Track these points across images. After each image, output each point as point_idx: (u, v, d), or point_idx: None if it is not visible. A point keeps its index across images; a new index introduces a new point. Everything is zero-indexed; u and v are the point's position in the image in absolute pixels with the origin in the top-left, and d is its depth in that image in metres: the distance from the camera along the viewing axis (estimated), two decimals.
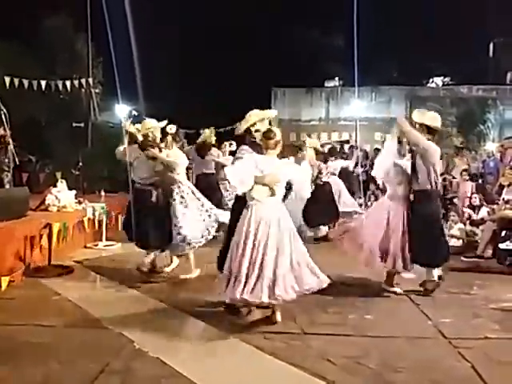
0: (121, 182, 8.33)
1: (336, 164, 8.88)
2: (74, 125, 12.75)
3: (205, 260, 5.34)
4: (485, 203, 7.93)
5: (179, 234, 5.16)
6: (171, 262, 5.60)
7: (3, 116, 7.25)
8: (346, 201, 8.68)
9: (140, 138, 5.43)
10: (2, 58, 13.28)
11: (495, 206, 7.32)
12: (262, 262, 3.74)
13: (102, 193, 8.39)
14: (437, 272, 4.79)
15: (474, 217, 7.61)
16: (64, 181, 7.68)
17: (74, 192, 7.54)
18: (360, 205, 11.57)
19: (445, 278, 4.95)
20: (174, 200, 5.26)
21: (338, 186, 8.65)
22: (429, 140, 4.67)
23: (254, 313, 3.96)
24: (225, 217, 5.16)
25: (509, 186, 7.21)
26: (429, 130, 4.71)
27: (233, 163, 4.23)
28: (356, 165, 11.01)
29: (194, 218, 5.24)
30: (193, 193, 5.41)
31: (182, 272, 5.42)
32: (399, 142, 4.86)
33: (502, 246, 6.17)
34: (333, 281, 5.31)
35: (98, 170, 11.73)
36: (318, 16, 27.45)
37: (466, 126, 21.24)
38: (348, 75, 17.91)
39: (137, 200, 5.38)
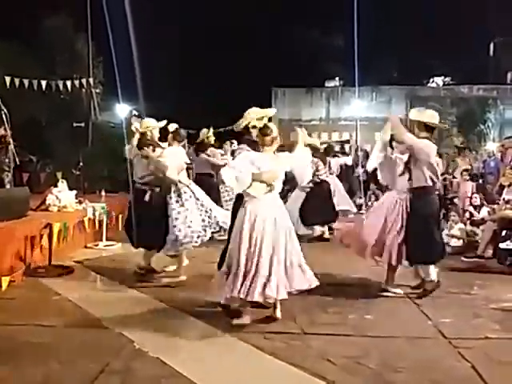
0: (121, 181, 8.33)
1: (335, 162, 8.84)
2: (75, 125, 12.75)
3: (205, 260, 5.34)
4: (485, 203, 7.92)
5: (172, 233, 5.09)
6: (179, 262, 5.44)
7: (4, 116, 7.25)
8: (339, 200, 8.58)
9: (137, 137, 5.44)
10: (2, 57, 13.29)
11: (496, 206, 7.31)
12: (257, 261, 3.74)
13: (103, 193, 8.39)
14: (434, 272, 4.74)
15: (476, 216, 7.60)
16: (64, 181, 7.69)
17: (74, 192, 7.54)
18: (360, 205, 11.60)
19: (441, 281, 4.91)
20: (171, 199, 5.19)
21: (336, 186, 8.59)
22: (426, 138, 4.66)
23: (248, 312, 3.92)
24: (224, 218, 5.13)
25: (509, 185, 7.20)
26: (426, 128, 4.70)
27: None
28: (356, 165, 11.00)
29: (191, 218, 5.14)
30: (192, 192, 5.32)
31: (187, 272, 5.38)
32: (392, 138, 4.88)
33: (502, 245, 6.16)
34: (333, 281, 5.38)
35: (99, 170, 11.73)
36: (318, 16, 27.50)
37: (466, 126, 21.26)
38: (348, 75, 17.95)
39: (134, 200, 5.41)
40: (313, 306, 4.36)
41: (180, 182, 5.26)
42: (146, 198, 5.31)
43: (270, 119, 4.43)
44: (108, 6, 5.26)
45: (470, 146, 17.11)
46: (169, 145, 5.38)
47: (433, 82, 25.33)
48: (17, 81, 10.99)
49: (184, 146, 6.01)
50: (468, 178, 9.70)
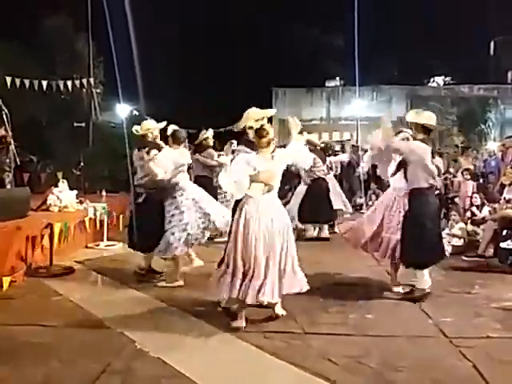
0: (122, 181, 8.36)
1: (331, 160, 8.80)
2: (75, 125, 12.79)
3: (205, 260, 5.33)
4: (486, 202, 7.91)
5: (165, 236, 5.01)
6: (190, 261, 5.39)
7: (4, 116, 7.26)
8: (333, 199, 8.51)
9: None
10: (2, 58, 13.32)
11: (496, 205, 7.31)
12: (254, 263, 3.73)
13: (103, 193, 8.40)
14: (427, 279, 4.64)
15: (478, 215, 7.59)
16: (65, 181, 7.68)
17: (75, 192, 7.55)
18: (361, 204, 11.61)
19: (441, 281, 4.85)
20: (166, 201, 5.13)
21: (332, 185, 8.51)
22: (422, 139, 4.66)
23: (243, 315, 3.90)
24: (223, 220, 5.07)
25: (510, 185, 7.20)
26: (424, 130, 4.70)
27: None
28: (357, 164, 10.99)
29: (186, 221, 5.02)
30: (190, 194, 5.18)
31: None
32: None
33: (503, 245, 6.15)
34: (333, 280, 5.37)
35: (99, 170, 11.74)
36: (318, 15, 27.48)
37: (466, 126, 21.26)
38: (349, 75, 17.94)
39: (134, 201, 5.41)
40: (313, 306, 4.36)
41: (177, 184, 5.15)
42: (140, 200, 5.32)
43: (270, 119, 4.42)
44: (108, 5, 5.25)
45: (471, 145, 17.11)
46: (169, 147, 5.37)
47: (433, 81, 25.33)
48: (17, 81, 11.01)
49: (185, 147, 5.97)
50: (469, 177, 9.70)
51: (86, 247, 7.19)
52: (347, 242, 5.25)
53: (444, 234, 6.14)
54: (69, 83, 11.92)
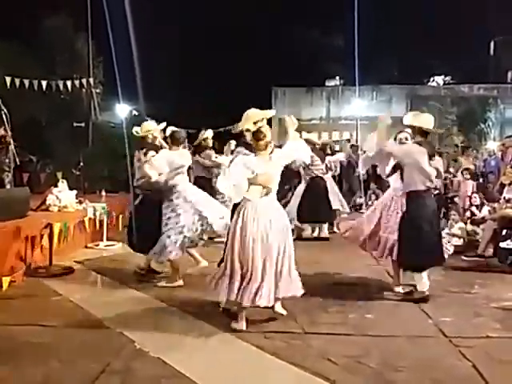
0: (121, 181, 8.35)
1: (332, 159, 8.79)
2: (75, 125, 12.78)
3: (205, 260, 5.33)
4: (486, 202, 7.91)
5: (160, 240, 4.97)
6: (196, 263, 5.33)
7: (4, 116, 7.26)
8: (331, 199, 8.48)
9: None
10: (2, 57, 13.32)
11: (496, 205, 7.31)
12: (252, 266, 3.72)
13: (103, 193, 8.40)
14: (426, 281, 4.61)
15: (478, 215, 7.59)
16: (65, 181, 7.69)
17: (74, 192, 7.55)
18: (360, 204, 11.61)
19: (442, 281, 4.85)
20: (164, 204, 5.07)
21: (331, 186, 8.49)
22: (419, 142, 4.66)
23: (244, 317, 3.89)
24: (221, 222, 5.03)
25: (510, 184, 7.19)
26: (421, 132, 4.69)
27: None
28: (357, 164, 10.97)
29: (182, 224, 4.96)
30: (187, 196, 5.07)
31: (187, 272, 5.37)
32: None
33: (502, 244, 6.16)
34: (333, 280, 5.37)
35: (99, 170, 11.75)
36: (318, 16, 27.47)
37: (466, 125, 21.25)
38: (348, 74, 17.95)
39: (133, 203, 5.42)
40: (313, 306, 4.36)
41: (174, 186, 5.08)
42: (136, 201, 5.32)
43: (269, 120, 4.40)
44: (108, 5, 5.26)
45: (471, 145, 17.11)
46: (169, 148, 5.36)
47: (433, 81, 25.32)
48: (17, 81, 11.00)
49: (185, 147, 5.97)
50: (468, 176, 9.70)
51: (86, 247, 7.19)
52: (347, 240, 5.27)
53: (444, 233, 6.13)
54: (68, 83, 11.92)
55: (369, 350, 3.41)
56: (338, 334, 3.75)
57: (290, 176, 8.25)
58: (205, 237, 5.19)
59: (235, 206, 4.09)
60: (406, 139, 4.92)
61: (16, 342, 3.53)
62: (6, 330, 3.78)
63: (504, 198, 7.04)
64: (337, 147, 12.47)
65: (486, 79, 23.20)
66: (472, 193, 8.53)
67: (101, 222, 7.53)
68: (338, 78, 24.37)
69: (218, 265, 4.26)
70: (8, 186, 7.42)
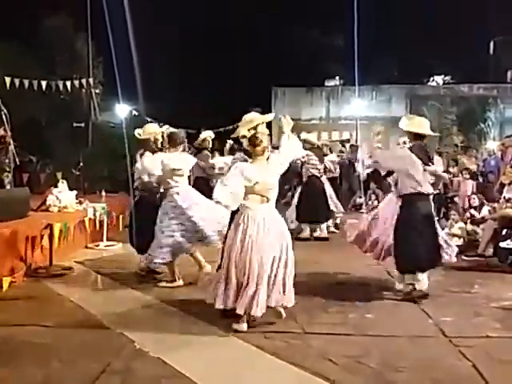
0: (121, 182, 8.34)
1: (330, 158, 8.78)
2: (75, 125, 12.76)
3: (205, 260, 5.33)
4: (486, 202, 7.92)
5: (152, 244, 4.95)
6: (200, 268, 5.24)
7: (4, 116, 7.27)
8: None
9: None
10: (2, 58, 13.31)
11: (496, 205, 7.31)
12: (248, 273, 3.70)
13: (103, 193, 8.39)
14: (425, 281, 4.64)
15: (477, 216, 7.60)
16: (65, 181, 7.70)
17: (74, 192, 7.55)
18: (360, 204, 11.61)
19: (442, 281, 4.85)
20: (159, 207, 5.04)
21: (327, 187, 8.47)
22: (412, 147, 4.68)
23: (245, 319, 3.89)
24: (215, 234, 4.96)
25: (509, 184, 7.20)
26: (415, 137, 4.70)
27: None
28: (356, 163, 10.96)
29: (173, 228, 4.91)
30: (183, 200, 4.99)
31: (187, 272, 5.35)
32: None
33: (502, 244, 6.16)
34: (333, 280, 5.38)
35: (99, 170, 11.75)
36: (318, 16, 27.44)
37: (466, 125, 21.23)
38: (348, 74, 17.93)
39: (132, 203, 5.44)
40: (313, 306, 4.37)
41: (169, 189, 5.02)
42: (133, 202, 5.34)
43: (269, 123, 4.39)
44: (108, 6, 5.26)
45: (471, 144, 17.11)
46: (168, 150, 5.36)
47: (433, 80, 25.30)
48: (17, 81, 11.00)
49: (184, 148, 5.96)
50: (468, 176, 9.71)
51: (86, 247, 7.19)
52: (346, 238, 5.32)
53: (444, 233, 6.13)
54: (68, 83, 11.92)
55: (369, 350, 3.41)
56: (337, 334, 3.76)
57: (290, 176, 8.26)
58: (197, 242, 5.06)
59: (233, 212, 4.05)
60: (404, 143, 4.95)
61: (16, 343, 3.53)
62: (7, 330, 3.78)
63: (504, 197, 7.04)
64: (337, 147, 12.47)
65: (485, 79, 23.19)
66: (471, 193, 8.54)
67: (101, 222, 7.53)
68: (337, 77, 24.34)
69: (217, 270, 4.26)
70: (8, 187, 7.43)
